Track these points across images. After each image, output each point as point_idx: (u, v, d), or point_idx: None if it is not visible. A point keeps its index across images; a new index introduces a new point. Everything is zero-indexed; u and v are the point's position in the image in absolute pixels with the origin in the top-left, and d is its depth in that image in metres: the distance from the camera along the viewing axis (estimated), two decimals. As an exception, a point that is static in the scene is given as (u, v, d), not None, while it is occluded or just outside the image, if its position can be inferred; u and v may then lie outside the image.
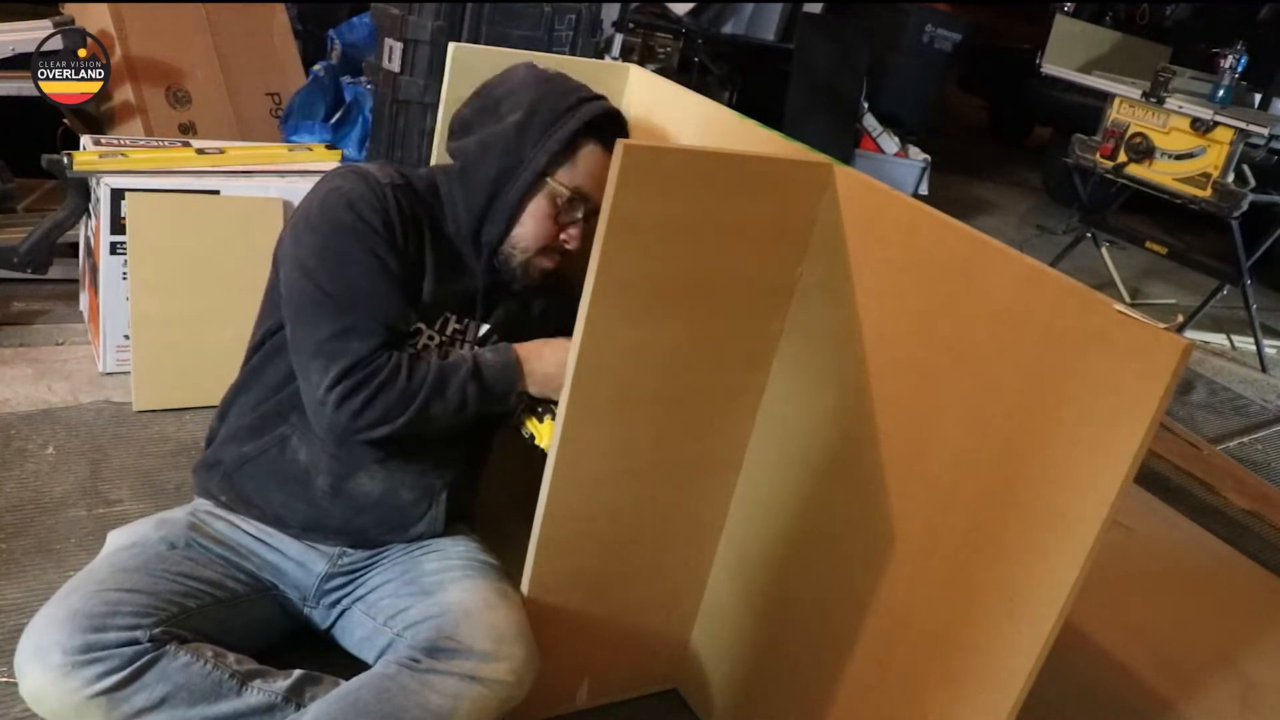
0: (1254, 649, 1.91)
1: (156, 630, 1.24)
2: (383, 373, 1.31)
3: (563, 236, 1.44)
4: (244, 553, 1.44)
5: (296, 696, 1.33)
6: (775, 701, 1.49)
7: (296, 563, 1.46)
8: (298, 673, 1.36)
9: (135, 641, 1.22)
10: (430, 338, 1.45)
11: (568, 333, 1.38)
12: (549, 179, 1.40)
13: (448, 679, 1.28)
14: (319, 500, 1.43)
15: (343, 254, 1.33)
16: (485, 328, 1.51)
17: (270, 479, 1.43)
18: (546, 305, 1.57)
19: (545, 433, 1.43)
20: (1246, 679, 1.80)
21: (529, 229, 1.42)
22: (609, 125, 1.42)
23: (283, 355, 1.40)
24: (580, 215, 1.43)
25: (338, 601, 1.48)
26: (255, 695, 1.30)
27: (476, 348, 1.46)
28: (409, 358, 1.35)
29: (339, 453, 1.41)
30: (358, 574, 1.48)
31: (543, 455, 1.36)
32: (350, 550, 1.47)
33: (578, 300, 1.48)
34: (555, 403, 1.38)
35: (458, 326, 1.48)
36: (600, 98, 1.44)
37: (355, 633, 1.46)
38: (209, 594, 1.34)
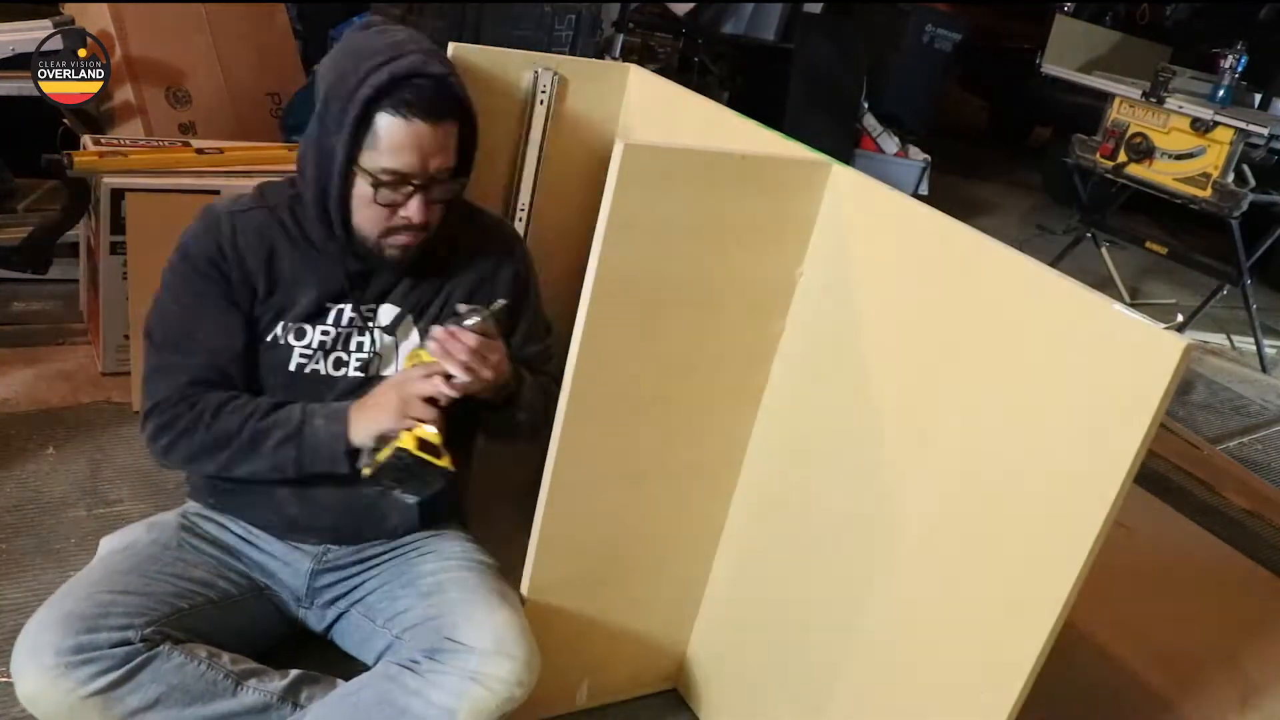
0: (1254, 649, 1.90)
1: (149, 630, 1.24)
2: (183, 420, 1.34)
3: (401, 215, 1.33)
4: (234, 553, 1.43)
5: (293, 696, 1.33)
6: (775, 701, 1.49)
7: (283, 562, 1.45)
8: (294, 672, 1.36)
9: (128, 642, 1.22)
10: (325, 333, 1.40)
11: (514, 296, 1.43)
12: (355, 166, 1.30)
13: (449, 679, 1.27)
14: (286, 507, 1.42)
15: (167, 297, 1.39)
16: (391, 310, 1.43)
17: (238, 489, 1.43)
18: (468, 273, 1.47)
19: (401, 444, 1.28)
20: (1246, 679, 1.80)
21: (362, 217, 1.34)
22: (403, 89, 1.26)
23: None
24: (409, 191, 1.31)
25: (333, 602, 1.47)
26: (251, 695, 1.30)
27: (317, 406, 1.37)
28: (220, 404, 1.34)
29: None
30: (350, 574, 1.47)
31: (405, 467, 1.29)
32: (333, 546, 1.47)
33: (521, 261, 1.49)
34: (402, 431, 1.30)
35: (353, 315, 1.41)
36: (396, 58, 1.27)
37: (354, 635, 1.46)
38: (201, 594, 1.34)
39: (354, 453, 1.33)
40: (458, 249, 1.46)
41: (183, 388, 1.35)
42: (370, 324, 1.42)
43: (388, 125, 1.27)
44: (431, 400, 1.30)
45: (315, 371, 1.40)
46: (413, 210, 1.32)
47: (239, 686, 1.29)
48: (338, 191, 1.32)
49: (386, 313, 1.43)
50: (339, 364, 1.41)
